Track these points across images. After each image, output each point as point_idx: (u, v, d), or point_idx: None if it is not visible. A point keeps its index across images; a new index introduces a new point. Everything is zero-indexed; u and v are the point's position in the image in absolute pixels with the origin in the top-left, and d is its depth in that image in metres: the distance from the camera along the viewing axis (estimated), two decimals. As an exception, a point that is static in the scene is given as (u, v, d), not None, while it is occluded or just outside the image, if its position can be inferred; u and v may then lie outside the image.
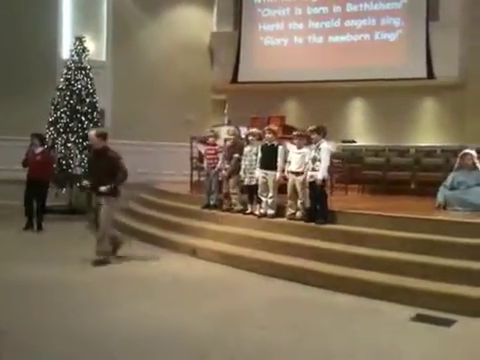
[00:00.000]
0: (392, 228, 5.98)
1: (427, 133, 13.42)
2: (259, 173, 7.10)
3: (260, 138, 7.27)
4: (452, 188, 7.12)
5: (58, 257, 6.87)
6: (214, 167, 7.93)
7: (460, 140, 12.11)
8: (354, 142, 13.47)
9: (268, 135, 7.09)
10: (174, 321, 4.38)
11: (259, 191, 7.12)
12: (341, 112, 14.08)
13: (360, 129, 14.12)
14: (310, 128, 6.70)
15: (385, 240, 5.80)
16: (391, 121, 13.26)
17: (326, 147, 6.57)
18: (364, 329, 4.29)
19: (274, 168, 6.98)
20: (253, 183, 7.21)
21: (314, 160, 6.56)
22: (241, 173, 7.33)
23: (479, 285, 4.78)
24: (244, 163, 7.33)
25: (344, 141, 13.19)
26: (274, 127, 7.38)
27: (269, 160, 7.01)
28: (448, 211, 6.89)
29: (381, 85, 13.12)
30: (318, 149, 6.56)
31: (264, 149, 7.11)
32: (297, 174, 6.80)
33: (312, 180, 6.54)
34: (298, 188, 6.77)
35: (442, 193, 7.14)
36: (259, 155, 7.13)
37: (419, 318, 4.52)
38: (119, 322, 4.31)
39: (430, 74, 12.91)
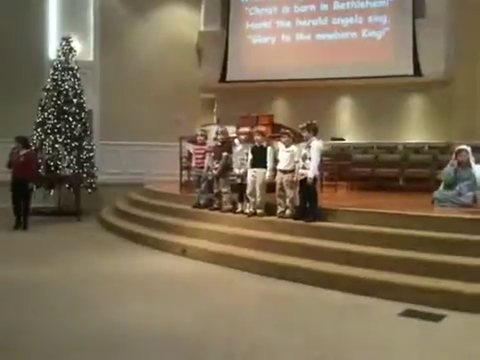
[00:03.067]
0: (381, 224, 6.01)
1: (414, 130, 13.50)
2: (249, 172, 7.13)
3: (250, 138, 7.29)
4: (451, 184, 7.01)
5: (48, 257, 6.87)
6: (202, 167, 7.94)
7: (447, 137, 12.23)
8: (343, 140, 13.53)
9: (257, 137, 7.13)
10: (165, 320, 4.38)
11: (248, 190, 7.14)
12: (329, 110, 14.10)
13: (348, 127, 14.16)
14: (300, 126, 6.71)
15: (374, 237, 5.83)
16: (379, 118, 13.32)
17: (316, 145, 6.57)
18: (354, 325, 4.32)
19: (263, 167, 7.01)
20: (244, 182, 7.23)
21: (304, 158, 6.58)
22: (235, 170, 7.36)
23: (468, 280, 4.82)
24: (235, 162, 7.36)
25: (333, 139, 13.25)
26: (262, 128, 7.43)
27: (259, 160, 7.06)
28: (436, 207, 6.95)
29: (368, 83, 13.17)
30: (308, 147, 6.58)
31: (254, 150, 7.16)
32: (285, 172, 6.83)
33: (303, 178, 6.57)
34: (285, 186, 6.80)
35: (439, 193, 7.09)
36: (250, 156, 7.18)
37: (408, 313, 4.55)
38: (110, 321, 4.30)
39: (417, 71, 12.98)
